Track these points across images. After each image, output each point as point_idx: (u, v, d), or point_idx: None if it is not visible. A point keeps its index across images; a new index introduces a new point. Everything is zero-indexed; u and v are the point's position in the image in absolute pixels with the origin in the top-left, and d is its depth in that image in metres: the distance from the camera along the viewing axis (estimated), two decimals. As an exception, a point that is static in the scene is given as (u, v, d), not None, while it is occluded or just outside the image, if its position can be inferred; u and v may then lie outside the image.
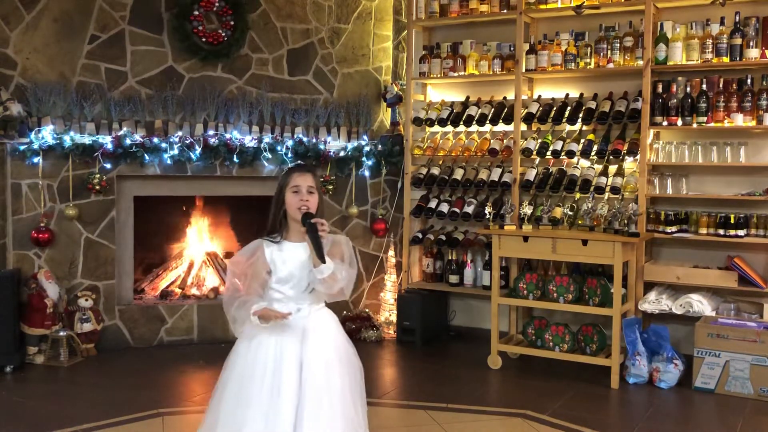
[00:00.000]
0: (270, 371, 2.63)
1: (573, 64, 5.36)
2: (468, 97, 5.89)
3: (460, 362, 5.29)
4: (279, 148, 5.71)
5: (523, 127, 5.54)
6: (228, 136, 5.60)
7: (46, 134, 5.15)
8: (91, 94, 5.39)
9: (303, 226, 2.65)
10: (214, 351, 5.48)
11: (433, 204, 5.85)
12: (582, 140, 5.32)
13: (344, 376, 2.70)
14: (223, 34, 5.61)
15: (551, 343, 4.98)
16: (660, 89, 5.10)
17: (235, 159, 5.61)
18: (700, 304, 4.79)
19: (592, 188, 5.20)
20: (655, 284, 5.06)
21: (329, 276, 2.63)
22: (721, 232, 4.85)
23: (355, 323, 5.87)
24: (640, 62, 5.11)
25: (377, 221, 6.11)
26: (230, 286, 2.74)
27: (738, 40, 4.84)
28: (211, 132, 5.62)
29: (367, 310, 6.05)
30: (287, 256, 2.71)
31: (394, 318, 5.93)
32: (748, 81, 4.87)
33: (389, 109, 6.31)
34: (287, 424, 2.58)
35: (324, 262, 2.61)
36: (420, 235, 5.91)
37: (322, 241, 2.61)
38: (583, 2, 5.26)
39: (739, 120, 4.84)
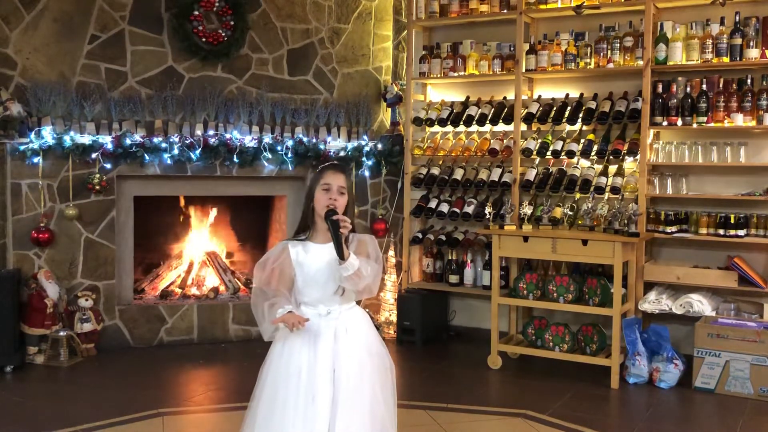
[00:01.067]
0: (304, 377, 2.62)
1: (573, 64, 5.36)
2: (468, 97, 5.89)
3: (460, 362, 5.29)
4: (279, 148, 5.71)
5: (523, 127, 5.54)
6: (228, 136, 5.60)
7: (46, 134, 5.15)
8: (91, 94, 5.39)
9: (325, 222, 2.63)
10: (214, 351, 5.49)
11: (433, 204, 5.85)
12: (582, 140, 5.32)
13: (375, 375, 2.70)
14: (223, 34, 5.61)
15: (551, 343, 4.98)
16: (660, 89, 5.10)
17: (235, 159, 5.61)
18: (700, 304, 4.79)
19: (592, 188, 5.20)
20: (655, 284, 5.06)
21: (355, 273, 2.61)
22: (721, 232, 4.85)
23: (355, 323, 5.86)
24: (640, 62, 5.11)
25: (377, 221, 6.11)
26: (256, 290, 2.72)
27: (738, 40, 4.84)
28: (211, 132, 5.62)
29: (367, 310, 6.03)
30: (312, 258, 2.69)
31: (394, 318, 5.93)
32: (748, 81, 4.87)
33: (389, 109, 6.31)
34: (323, 428, 2.58)
35: (343, 258, 2.58)
36: (420, 235, 5.91)
37: (342, 239, 2.59)
38: (583, 2, 5.26)
39: (739, 120, 4.84)
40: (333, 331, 2.68)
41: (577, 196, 5.33)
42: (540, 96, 5.62)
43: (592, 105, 5.32)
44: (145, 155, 5.39)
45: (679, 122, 5.01)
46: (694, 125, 4.97)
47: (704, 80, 4.93)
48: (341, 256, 2.59)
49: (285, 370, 2.65)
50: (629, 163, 5.23)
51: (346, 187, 2.73)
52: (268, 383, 2.68)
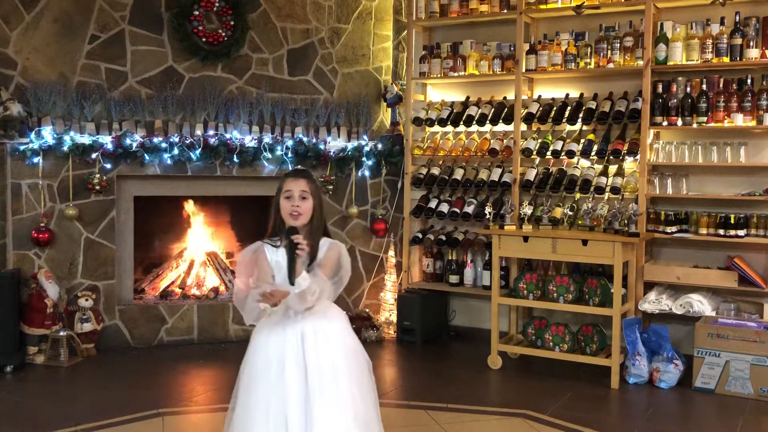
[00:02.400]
0: (273, 372, 2.64)
1: (573, 64, 5.36)
2: (468, 97, 5.89)
3: (460, 362, 5.29)
4: (279, 148, 5.71)
5: (523, 127, 5.54)
6: (228, 136, 5.61)
7: (46, 134, 5.16)
8: (91, 94, 5.39)
9: (287, 237, 2.64)
10: (214, 351, 5.49)
11: (433, 204, 5.85)
12: (582, 140, 5.32)
13: (352, 373, 2.70)
14: (223, 34, 5.61)
15: (551, 343, 4.98)
16: (660, 89, 5.10)
17: (235, 159, 5.61)
18: (700, 304, 4.79)
19: (592, 188, 5.20)
20: (655, 284, 5.06)
21: (300, 293, 2.62)
22: (721, 232, 4.85)
23: (355, 323, 5.85)
24: (640, 62, 5.11)
25: (377, 221, 6.11)
26: (239, 284, 2.74)
27: (738, 40, 4.84)
28: (211, 132, 5.62)
29: (367, 310, 6.05)
30: (284, 261, 2.70)
31: (394, 318, 5.93)
32: (748, 81, 4.87)
33: (389, 109, 6.31)
34: (298, 426, 2.58)
35: (292, 284, 2.60)
36: (420, 235, 5.91)
37: (296, 261, 2.60)
38: (583, 2, 5.26)
39: (739, 120, 4.84)
40: (300, 332, 2.68)
41: (577, 196, 5.34)
42: (540, 96, 5.62)
43: (592, 105, 5.32)
44: (145, 155, 5.39)
45: (679, 122, 5.01)
46: (694, 125, 4.97)
47: (704, 80, 4.93)
48: (291, 282, 2.60)
49: (257, 369, 2.67)
50: (629, 163, 5.23)
51: (310, 191, 2.74)
52: (243, 381, 2.71)
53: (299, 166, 2.77)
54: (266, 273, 2.70)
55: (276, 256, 2.73)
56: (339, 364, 2.68)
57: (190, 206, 6.11)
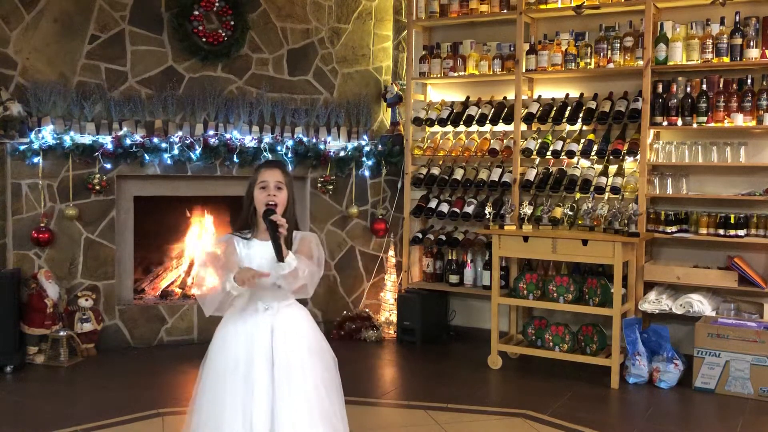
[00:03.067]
0: (242, 369, 2.64)
1: (573, 64, 5.36)
2: (468, 97, 5.89)
3: (460, 362, 5.29)
4: (279, 148, 5.71)
5: (523, 127, 5.54)
6: (228, 136, 5.61)
7: (46, 134, 5.15)
8: (91, 94, 5.39)
9: (263, 222, 2.64)
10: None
11: (433, 204, 5.85)
12: (582, 140, 5.32)
13: (317, 370, 2.70)
14: (223, 34, 5.61)
15: (551, 343, 4.98)
16: (660, 89, 5.10)
17: (235, 159, 5.61)
18: (700, 304, 4.79)
19: (592, 188, 5.20)
20: (655, 284, 5.06)
21: (291, 272, 2.61)
22: (721, 232, 4.85)
23: (355, 323, 5.87)
24: (640, 62, 5.11)
25: (377, 221, 6.11)
26: (204, 274, 2.70)
27: (738, 40, 4.84)
28: (211, 132, 5.62)
29: (367, 310, 6.05)
30: (255, 253, 2.70)
31: (394, 318, 5.93)
32: (748, 81, 4.87)
33: (389, 109, 6.31)
34: (263, 422, 2.58)
35: (281, 260, 2.59)
36: (420, 235, 5.91)
37: (280, 239, 2.60)
38: (583, 2, 5.27)
39: (739, 120, 4.84)
40: (270, 326, 2.68)
41: (577, 196, 5.34)
42: (540, 96, 5.62)
43: (592, 105, 5.32)
44: (145, 155, 5.39)
45: (679, 122, 5.01)
46: (694, 125, 4.97)
47: (704, 80, 4.93)
48: (279, 257, 2.59)
49: (223, 364, 2.66)
50: (629, 163, 5.23)
51: (284, 182, 2.74)
52: (209, 379, 2.69)
53: (270, 159, 2.76)
54: (234, 264, 2.69)
55: (246, 248, 2.72)
56: (306, 360, 2.68)
57: (189, 206, 6.10)
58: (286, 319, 2.72)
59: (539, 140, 5.45)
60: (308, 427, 2.61)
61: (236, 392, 2.62)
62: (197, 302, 2.79)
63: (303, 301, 2.87)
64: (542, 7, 5.48)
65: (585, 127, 5.37)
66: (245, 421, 2.59)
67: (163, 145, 5.42)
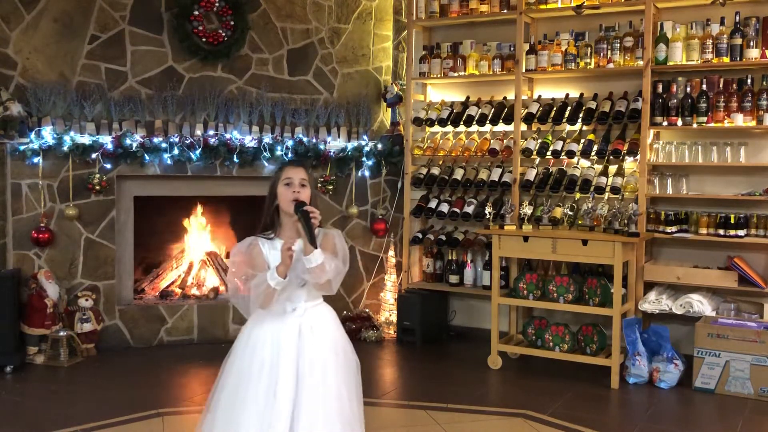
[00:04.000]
0: (266, 371, 2.62)
1: (573, 64, 5.36)
2: (468, 97, 5.89)
3: (460, 362, 5.29)
4: (279, 148, 5.71)
5: (523, 127, 5.54)
6: (228, 136, 5.61)
7: (46, 134, 5.15)
8: (91, 94, 5.39)
9: (295, 214, 2.63)
10: (214, 351, 5.47)
11: (433, 204, 5.85)
12: (582, 140, 5.32)
13: (340, 373, 2.69)
14: (223, 34, 5.61)
15: (551, 343, 4.98)
16: (660, 89, 5.10)
17: (235, 159, 5.61)
18: (700, 304, 4.79)
19: (592, 188, 5.20)
20: (655, 284, 5.06)
21: (318, 266, 2.60)
22: (721, 232, 4.85)
23: (355, 323, 5.87)
24: (640, 62, 5.11)
25: (377, 221, 6.11)
26: (233, 284, 2.71)
27: (738, 40, 4.84)
28: (211, 132, 5.62)
29: (367, 310, 6.05)
30: (279, 254, 2.68)
31: (394, 318, 5.93)
32: (748, 81, 4.87)
33: (389, 109, 6.31)
34: (284, 425, 2.58)
35: (316, 248, 2.58)
36: (420, 235, 5.91)
37: (314, 229, 2.60)
38: (583, 2, 5.27)
39: (739, 120, 4.84)
40: (298, 328, 2.67)
41: (577, 196, 5.34)
42: (540, 96, 5.62)
43: (592, 105, 5.32)
44: (145, 155, 5.39)
45: (679, 122, 5.01)
46: (694, 125, 4.97)
47: (704, 80, 4.93)
48: (314, 245, 2.58)
49: (248, 365, 2.65)
50: (629, 163, 5.23)
51: (308, 180, 2.74)
52: (230, 378, 2.68)
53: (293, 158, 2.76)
54: (261, 267, 2.68)
55: (272, 248, 2.71)
56: (330, 362, 2.68)
57: (190, 206, 6.10)
58: (313, 321, 2.71)
59: (539, 140, 5.45)
60: (327, 430, 2.60)
61: (258, 394, 2.60)
62: (235, 305, 2.77)
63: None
64: (542, 7, 5.48)
65: (585, 127, 5.37)
66: (263, 424, 2.57)
67: (163, 145, 5.42)
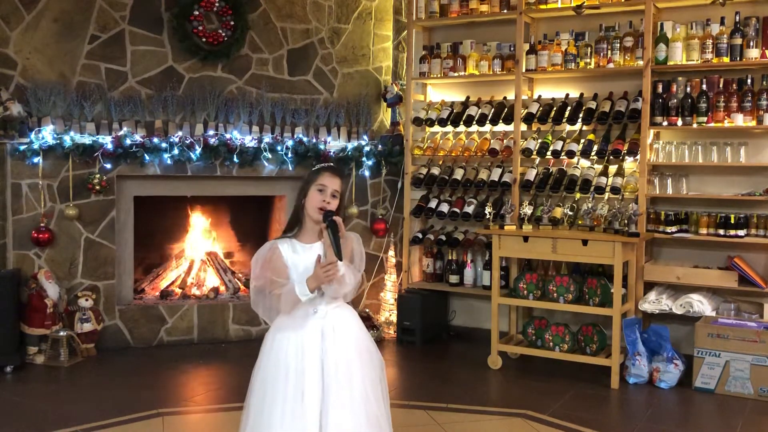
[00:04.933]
0: (293, 374, 2.62)
1: (573, 64, 5.36)
2: (468, 97, 5.88)
3: (460, 362, 5.29)
4: (279, 148, 5.71)
5: (523, 127, 5.54)
6: (228, 136, 5.61)
7: (46, 134, 5.15)
8: (91, 94, 5.39)
9: (323, 222, 2.62)
10: (214, 351, 5.49)
11: (433, 204, 5.85)
12: (582, 140, 5.32)
13: (365, 372, 2.69)
14: (223, 34, 5.61)
15: (551, 343, 4.98)
16: (660, 89, 5.10)
17: (235, 159, 5.61)
18: (700, 304, 4.79)
19: (592, 188, 5.20)
20: (655, 284, 5.06)
21: (342, 276, 2.62)
22: (721, 232, 4.85)
23: (355, 323, 5.86)
24: (640, 62, 5.11)
25: (377, 221, 6.11)
26: (256, 288, 2.70)
27: (738, 40, 4.84)
28: (211, 132, 5.62)
29: (367, 310, 6.04)
30: (300, 257, 2.68)
31: (394, 318, 5.93)
32: (748, 81, 4.87)
33: (389, 109, 6.31)
34: (313, 427, 2.58)
35: (341, 258, 2.59)
36: (420, 235, 5.91)
37: (341, 241, 2.59)
38: (583, 2, 5.26)
39: (739, 120, 4.84)
40: (320, 330, 2.67)
41: (577, 196, 5.34)
42: (540, 96, 5.62)
43: (592, 105, 5.32)
44: (145, 155, 5.39)
45: (679, 122, 5.01)
46: (694, 125, 4.97)
47: (704, 80, 4.93)
48: (340, 258, 2.59)
49: (274, 369, 2.65)
50: (629, 163, 5.23)
51: (341, 192, 2.73)
52: (257, 385, 2.68)
53: (334, 164, 2.69)
54: (282, 272, 2.68)
55: (292, 252, 2.69)
56: (354, 362, 2.67)
57: (190, 206, 6.11)
58: (335, 322, 2.70)
59: (539, 140, 5.45)
60: (355, 430, 2.60)
61: (286, 399, 2.60)
62: (257, 311, 2.77)
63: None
64: (542, 7, 5.48)
65: (585, 127, 5.37)
66: (295, 423, 2.57)
67: (163, 145, 5.42)
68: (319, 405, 2.60)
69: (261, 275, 2.69)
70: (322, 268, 2.60)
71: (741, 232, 4.81)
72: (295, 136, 5.85)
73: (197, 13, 5.53)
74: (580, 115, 5.32)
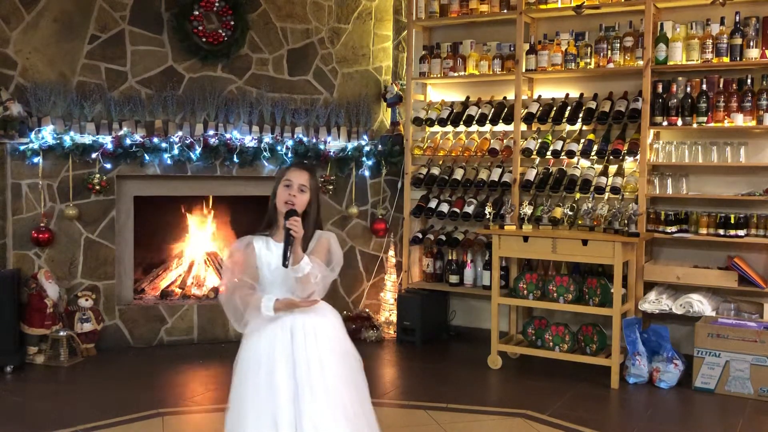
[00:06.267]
0: (264, 371, 2.65)
1: (573, 64, 5.36)
2: (468, 97, 5.88)
3: (460, 362, 5.29)
4: (279, 148, 5.71)
5: (523, 127, 5.54)
6: (228, 136, 5.61)
7: (46, 134, 5.16)
8: (91, 94, 5.39)
9: (285, 219, 2.64)
10: (214, 351, 5.49)
11: (433, 204, 5.85)
12: (582, 140, 5.32)
13: (339, 372, 2.70)
14: (223, 34, 5.61)
15: (551, 343, 4.98)
16: (660, 89, 5.10)
17: (235, 159, 5.61)
18: (700, 304, 4.79)
19: (592, 188, 5.19)
20: (655, 284, 5.06)
21: (304, 276, 2.63)
22: (721, 232, 4.85)
23: (355, 323, 5.87)
24: (640, 62, 5.11)
25: (377, 221, 6.11)
26: (229, 285, 2.74)
27: (738, 40, 4.84)
28: (211, 132, 5.62)
29: (367, 310, 6.05)
30: (273, 255, 2.71)
31: (394, 318, 5.93)
32: (748, 81, 4.87)
33: (389, 109, 6.31)
34: (287, 423, 2.59)
35: (285, 266, 2.60)
36: (420, 235, 5.91)
37: (290, 243, 2.60)
38: (583, 2, 5.26)
39: (739, 120, 4.84)
40: (291, 328, 2.69)
41: (577, 196, 5.34)
42: (540, 96, 5.62)
43: (592, 105, 5.32)
44: (145, 155, 5.39)
45: (679, 122, 5.01)
46: (694, 125, 4.97)
47: (704, 80, 4.93)
48: (283, 262, 2.59)
49: (247, 367, 2.69)
50: (629, 163, 5.23)
51: (309, 186, 2.74)
52: (235, 380, 2.72)
53: (303, 161, 2.67)
54: (252, 268, 2.71)
55: (266, 249, 2.73)
56: (327, 359, 2.68)
57: (190, 206, 6.11)
58: (307, 319, 2.71)
59: (539, 140, 5.45)
60: (332, 428, 2.61)
61: (259, 392, 2.63)
62: (196, 303, 2.81)
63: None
64: (542, 7, 5.48)
65: (585, 127, 5.37)
66: (269, 423, 2.59)
67: (163, 145, 5.42)
68: (293, 399, 2.61)
69: (232, 273, 2.73)
70: (288, 304, 2.64)
71: (741, 232, 4.81)
72: (295, 136, 5.85)
73: (197, 13, 5.53)
74: (580, 115, 5.32)
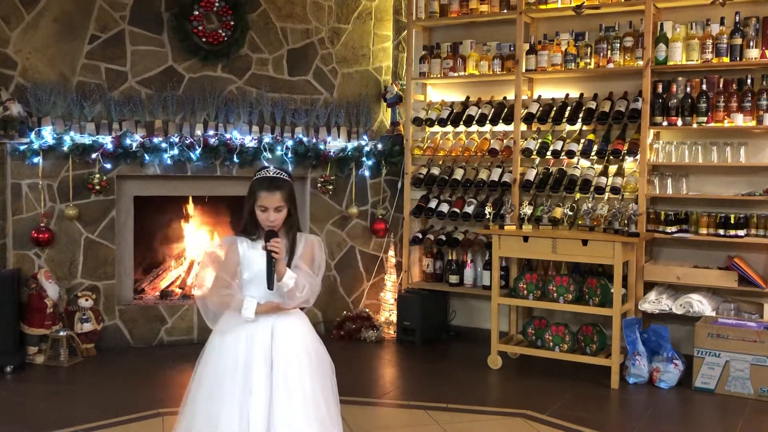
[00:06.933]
0: (241, 369, 2.66)
1: (573, 64, 5.36)
2: (468, 97, 5.89)
3: (460, 362, 5.29)
4: (279, 148, 5.71)
5: (523, 127, 5.54)
6: (228, 136, 5.61)
7: (46, 134, 5.15)
8: (91, 94, 5.39)
9: (265, 242, 2.67)
10: (214, 351, 5.48)
11: (433, 204, 5.85)
12: (582, 140, 5.32)
13: (314, 375, 2.73)
14: (223, 34, 5.61)
15: (551, 343, 4.98)
16: (660, 89, 5.10)
17: (235, 159, 5.61)
18: (700, 304, 4.79)
19: (592, 188, 5.20)
20: (655, 284, 5.06)
21: (289, 290, 2.68)
22: (721, 232, 4.85)
23: (355, 323, 5.87)
24: (640, 62, 5.11)
25: (377, 221, 6.11)
26: (203, 280, 2.76)
27: (738, 40, 4.84)
28: (211, 132, 5.62)
29: (367, 310, 6.05)
30: (258, 255, 2.72)
31: (394, 318, 5.93)
32: (748, 81, 4.87)
33: (389, 109, 6.31)
34: (260, 423, 2.61)
35: (271, 289, 2.66)
36: (420, 235, 5.91)
37: (273, 266, 2.65)
38: (583, 2, 5.27)
39: (739, 120, 4.84)
40: (270, 330, 2.72)
41: (577, 196, 5.34)
42: (540, 96, 5.62)
43: (592, 105, 5.32)
44: (145, 155, 5.39)
45: (679, 122, 5.01)
46: (694, 125, 4.97)
47: (704, 80, 4.93)
48: (270, 287, 2.65)
49: (223, 364, 2.69)
50: (629, 163, 5.23)
51: (284, 202, 2.74)
52: (207, 375, 2.71)
53: (273, 172, 2.58)
54: (233, 265, 2.74)
55: (251, 249, 2.74)
56: (304, 364, 2.71)
57: (190, 206, 6.11)
58: (285, 323, 2.75)
59: (539, 140, 5.45)
60: (303, 428, 2.63)
61: (234, 393, 2.64)
62: (196, 303, 2.81)
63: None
64: (542, 7, 5.48)
65: (585, 127, 5.37)
66: (242, 422, 2.61)
67: (163, 145, 5.42)
68: (268, 401, 2.63)
69: (204, 268, 2.77)
70: (270, 308, 2.70)
71: (741, 232, 4.81)
72: (295, 136, 5.85)
73: (197, 13, 5.53)
74: (580, 115, 5.32)
